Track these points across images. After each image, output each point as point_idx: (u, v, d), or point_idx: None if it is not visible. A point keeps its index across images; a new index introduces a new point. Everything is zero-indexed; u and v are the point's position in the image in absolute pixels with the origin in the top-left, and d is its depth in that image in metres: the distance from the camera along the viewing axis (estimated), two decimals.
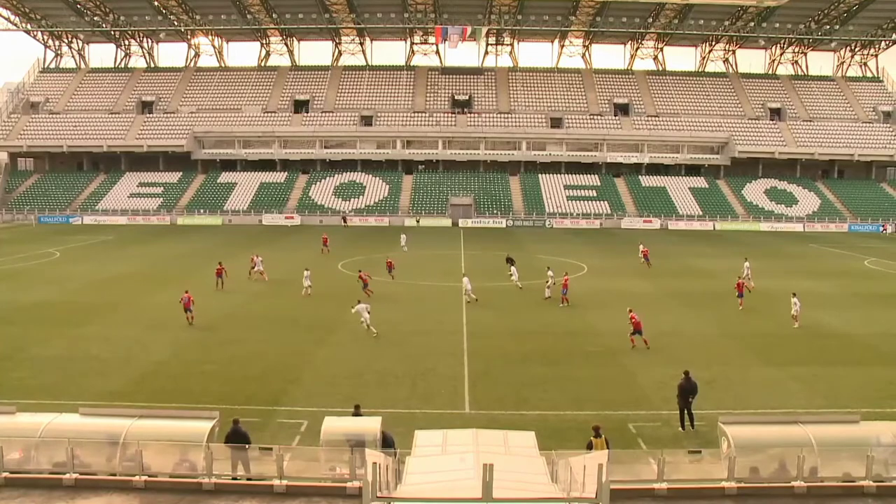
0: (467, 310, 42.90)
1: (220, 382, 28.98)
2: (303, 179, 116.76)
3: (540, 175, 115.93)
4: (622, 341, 34.95)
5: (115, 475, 18.21)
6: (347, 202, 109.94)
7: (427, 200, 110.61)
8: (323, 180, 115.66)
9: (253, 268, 54.15)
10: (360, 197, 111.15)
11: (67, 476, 18.15)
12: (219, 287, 49.03)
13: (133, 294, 47.28)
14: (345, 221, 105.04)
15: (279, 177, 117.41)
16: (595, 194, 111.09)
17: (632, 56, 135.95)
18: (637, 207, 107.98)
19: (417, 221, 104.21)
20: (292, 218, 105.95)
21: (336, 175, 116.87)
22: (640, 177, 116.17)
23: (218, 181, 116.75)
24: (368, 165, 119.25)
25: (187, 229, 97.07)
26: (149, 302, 43.58)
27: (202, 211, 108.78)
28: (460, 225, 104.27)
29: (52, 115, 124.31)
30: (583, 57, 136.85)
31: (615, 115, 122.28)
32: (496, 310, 43.08)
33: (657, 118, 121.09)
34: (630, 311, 35.54)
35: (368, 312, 37.07)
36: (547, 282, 47.17)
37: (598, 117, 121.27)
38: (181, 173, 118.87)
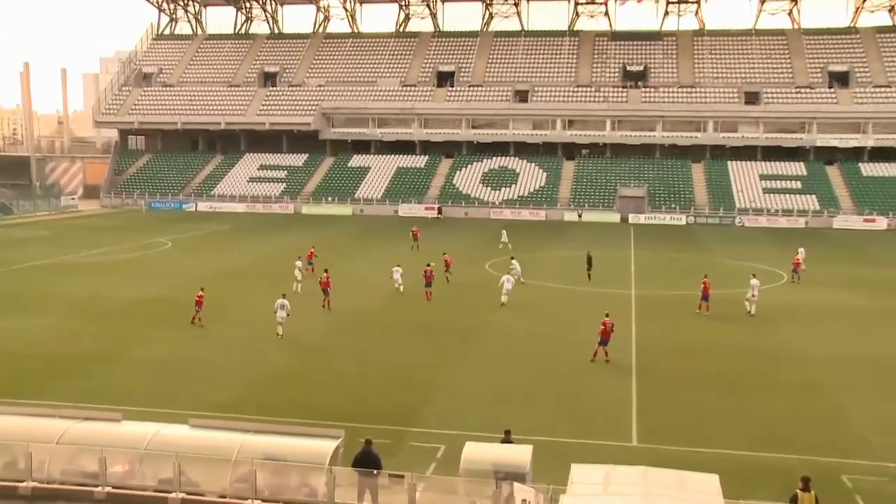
0: (638, 320, 42.35)
1: (343, 396, 29.68)
2: (446, 164, 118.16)
3: (729, 162, 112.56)
4: (829, 368, 33.47)
5: (224, 497, 18.89)
6: (497, 191, 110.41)
7: (591, 191, 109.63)
8: (469, 165, 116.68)
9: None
10: (513, 186, 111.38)
11: (174, 495, 18.99)
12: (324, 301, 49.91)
13: (248, 292, 49.20)
14: (440, 213, 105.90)
15: (419, 161, 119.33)
16: (799, 186, 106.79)
17: (857, 9, 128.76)
18: (855, 202, 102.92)
19: (579, 216, 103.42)
20: (433, 209, 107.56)
21: (485, 159, 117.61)
22: (860, 164, 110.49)
23: (349, 165, 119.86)
24: (523, 149, 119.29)
25: (313, 219, 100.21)
26: (265, 302, 45.14)
27: (330, 199, 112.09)
28: (630, 221, 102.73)
29: (166, 88, 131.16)
30: (789, 14, 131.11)
31: (829, 87, 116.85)
32: (671, 322, 42.35)
33: (889, 89, 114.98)
34: (606, 315, 35.53)
35: (287, 313, 38.47)
36: (750, 294, 45.56)
37: (807, 90, 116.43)
38: (307, 155, 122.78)
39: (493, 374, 32.78)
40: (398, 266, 52.17)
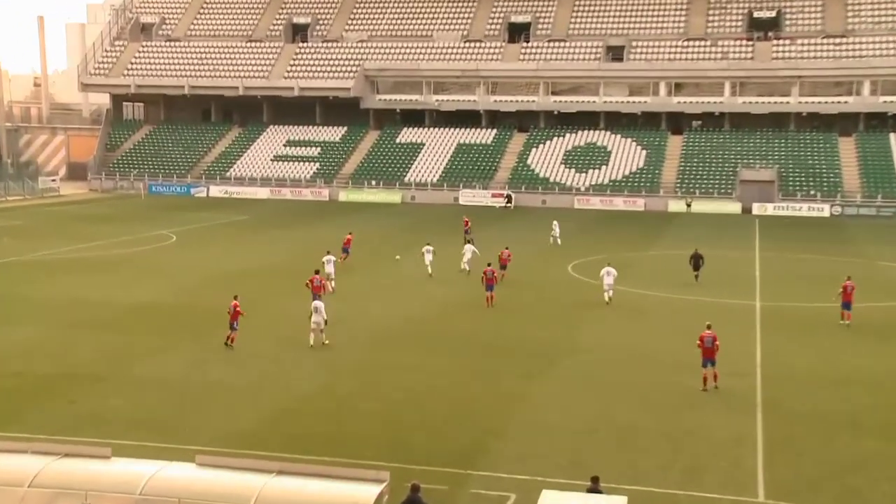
0: (764, 339, 41.89)
1: (387, 428, 29.70)
2: (518, 140, 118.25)
3: (892, 135, 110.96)
4: None
5: None
6: (583, 174, 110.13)
7: (703, 174, 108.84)
8: (548, 142, 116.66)
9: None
10: (603, 167, 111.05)
11: None
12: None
13: (271, 297, 49.56)
14: (509, 202, 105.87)
15: (485, 135, 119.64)
16: None
17: None
18: None
19: (688, 205, 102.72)
20: (501, 196, 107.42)
21: (568, 134, 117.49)
22: None
23: (397, 141, 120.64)
24: (616, 121, 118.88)
25: (352, 208, 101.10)
26: (292, 309, 45.45)
27: (374, 183, 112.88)
28: (755, 212, 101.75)
29: (170, 44, 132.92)
30: None
31: None
32: (809, 342, 41.86)
33: None
34: (708, 327, 35.08)
35: (325, 320, 39.13)
36: None
37: None
38: (346, 128, 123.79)
39: (578, 403, 32.62)
40: (429, 245, 54.72)
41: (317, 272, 47.21)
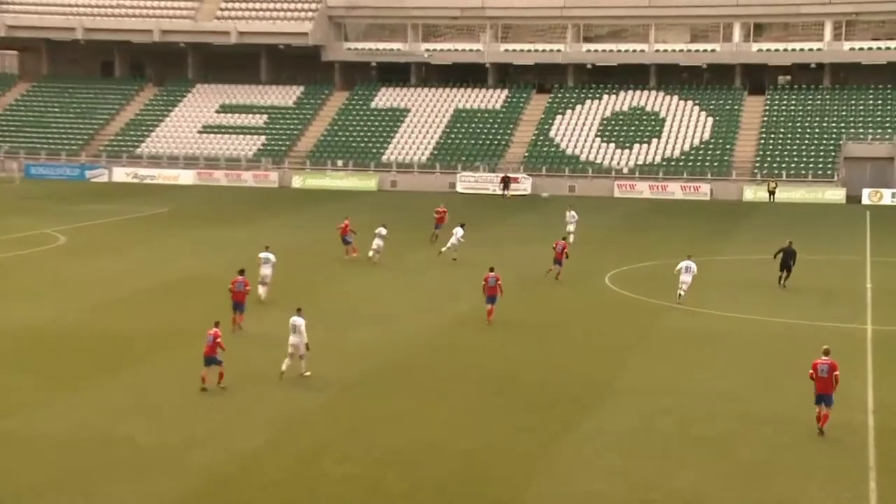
0: (877, 374, 41.91)
1: (367, 499, 29.73)
2: (538, 104, 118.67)
3: None
4: None
5: None
6: (626, 151, 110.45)
7: (794, 149, 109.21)
8: (578, 106, 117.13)
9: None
10: (654, 141, 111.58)
11: None
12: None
13: (202, 317, 49.12)
14: (506, 187, 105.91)
15: (492, 98, 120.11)
16: None
17: None
18: None
19: (771, 192, 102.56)
20: (516, 181, 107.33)
21: (606, 95, 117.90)
22: None
23: (372, 105, 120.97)
24: (672, 77, 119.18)
25: (312, 197, 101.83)
26: (231, 336, 45.29)
27: (341, 163, 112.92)
28: (865, 201, 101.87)
29: None
30: None
31: None
32: None
33: None
34: (826, 353, 35.33)
35: (306, 343, 39.69)
36: None
37: None
38: (302, 89, 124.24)
39: (623, 465, 32.37)
40: (383, 226, 58.99)
41: (241, 272, 47.88)
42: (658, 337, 48.13)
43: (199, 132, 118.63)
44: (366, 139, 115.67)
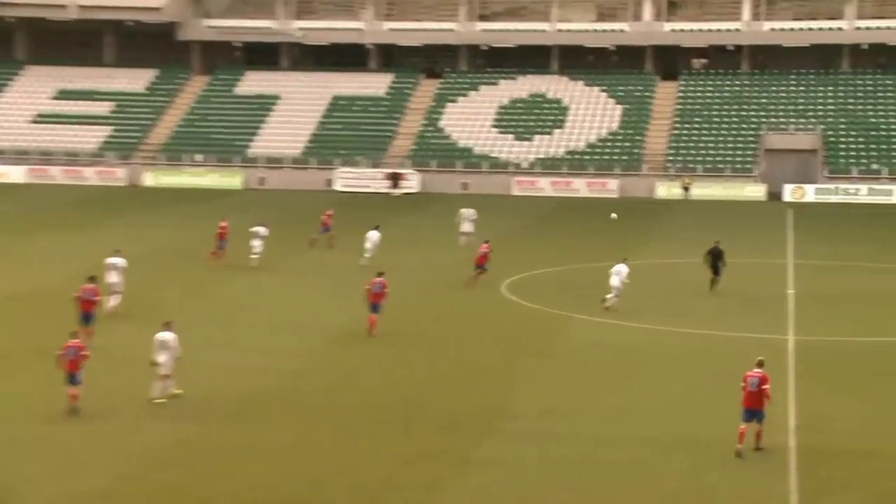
0: (800, 389, 42.30)
1: None
2: (426, 90, 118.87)
3: None
4: None
5: None
6: (526, 143, 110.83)
7: (710, 140, 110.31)
8: (472, 93, 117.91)
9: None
10: (556, 132, 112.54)
11: None
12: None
13: (43, 337, 48.55)
14: (395, 185, 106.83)
15: (375, 83, 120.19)
16: None
17: None
18: None
19: (685, 189, 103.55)
20: (403, 177, 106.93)
21: (502, 81, 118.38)
22: None
23: (236, 91, 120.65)
24: (576, 60, 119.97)
25: (166, 197, 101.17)
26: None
27: (200, 157, 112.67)
28: (787, 197, 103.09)
29: None
30: None
31: None
32: (864, 397, 42.31)
33: None
34: (760, 365, 36.17)
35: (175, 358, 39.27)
36: None
37: None
38: (155, 72, 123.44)
39: (532, 498, 32.25)
40: (262, 225, 60.73)
41: (91, 279, 47.64)
42: (560, 352, 48.18)
43: (32, 122, 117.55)
44: (229, 130, 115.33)
